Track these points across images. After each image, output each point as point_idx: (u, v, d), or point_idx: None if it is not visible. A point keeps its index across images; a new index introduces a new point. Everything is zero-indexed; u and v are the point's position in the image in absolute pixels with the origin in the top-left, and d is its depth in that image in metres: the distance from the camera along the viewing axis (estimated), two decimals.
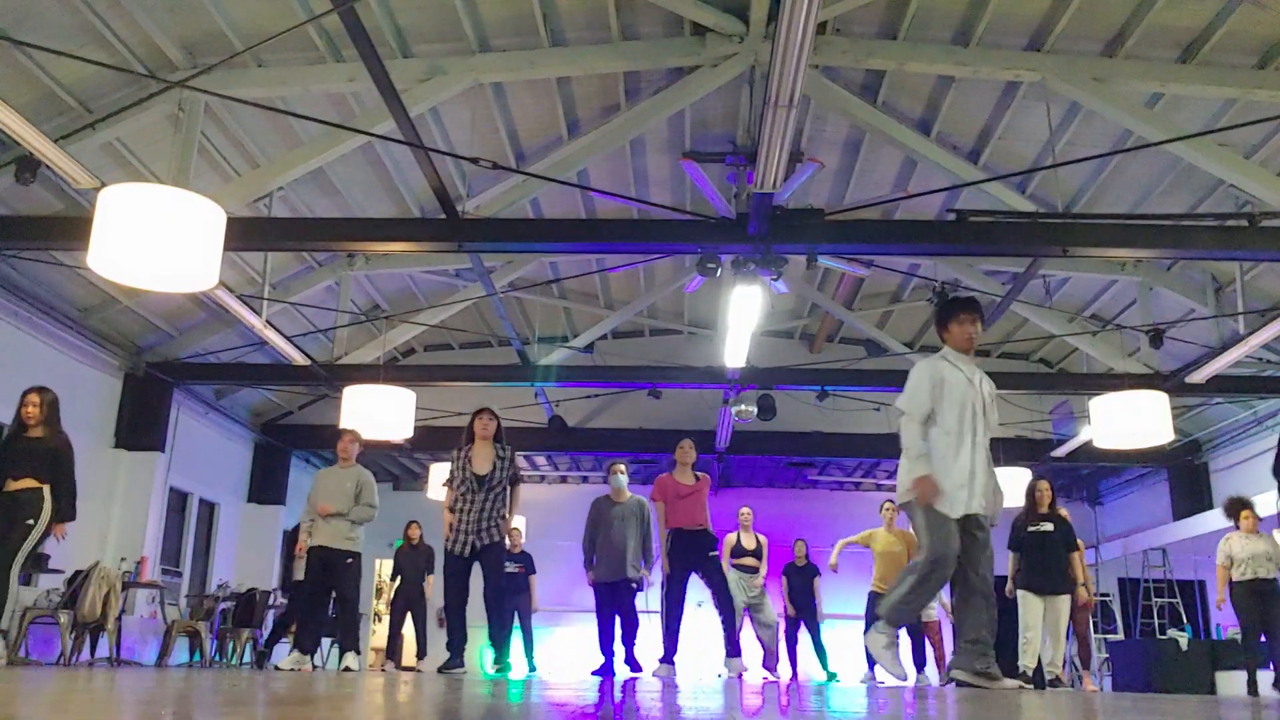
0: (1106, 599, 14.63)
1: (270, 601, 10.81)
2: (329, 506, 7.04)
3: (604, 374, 11.82)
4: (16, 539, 5.96)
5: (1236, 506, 8.21)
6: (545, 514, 13.80)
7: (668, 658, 6.98)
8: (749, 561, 9.69)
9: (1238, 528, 8.11)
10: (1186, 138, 6.87)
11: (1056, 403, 12.94)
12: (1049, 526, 7.65)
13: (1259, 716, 2.73)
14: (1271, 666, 7.96)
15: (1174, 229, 7.52)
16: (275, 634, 9.65)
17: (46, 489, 6.06)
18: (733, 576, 9.57)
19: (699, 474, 7.39)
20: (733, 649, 7.01)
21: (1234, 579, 7.96)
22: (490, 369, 11.95)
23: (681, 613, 6.99)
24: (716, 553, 7.16)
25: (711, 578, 7.03)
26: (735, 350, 9.42)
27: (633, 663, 7.30)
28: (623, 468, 7.72)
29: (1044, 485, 7.86)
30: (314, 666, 7.74)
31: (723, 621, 7.02)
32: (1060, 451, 12.16)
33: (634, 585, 7.34)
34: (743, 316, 8.49)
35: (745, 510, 9.99)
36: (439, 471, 11.66)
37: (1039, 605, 7.53)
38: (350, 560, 7.15)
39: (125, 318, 9.97)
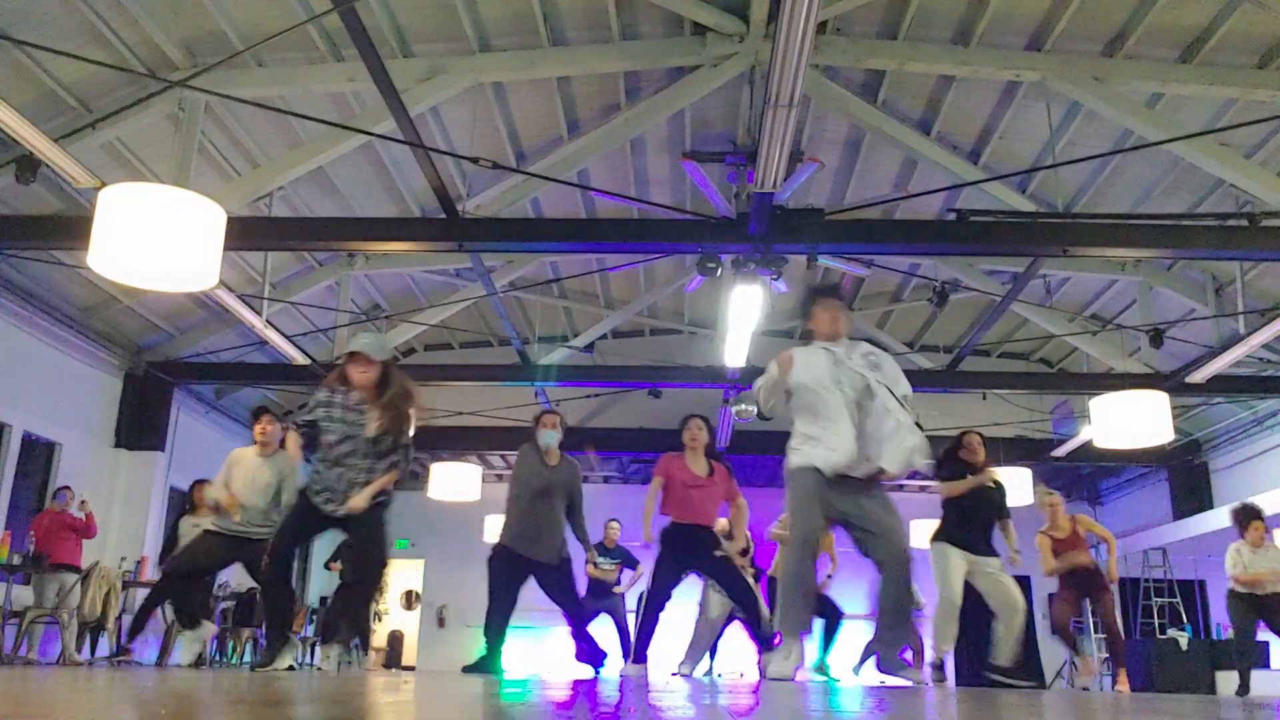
0: None
1: None
2: (235, 500, 5.99)
3: (604, 374, 11.82)
4: None
5: (1247, 516, 7.63)
6: None
7: (640, 658, 6.15)
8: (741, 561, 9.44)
9: (1242, 536, 7.62)
10: (1186, 138, 6.88)
11: (1056, 403, 12.95)
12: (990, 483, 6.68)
13: (1258, 717, 2.74)
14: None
15: (1174, 229, 7.52)
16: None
17: None
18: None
19: (714, 462, 6.22)
20: (766, 644, 6.03)
21: (1235, 588, 7.66)
22: (490, 369, 11.96)
23: (660, 613, 6.03)
24: (723, 550, 6.07)
25: (723, 575, 6.13)
26: (735, 350, 9.42)
27: (599, 655, 6.16)
28: (556, 420, 6.16)
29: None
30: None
31: (748, 620, 6.30)
32: (1060, 451, 12.16)
33: (566, 569, 6.08)
34: (743, 316, 8.49)
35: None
36: (440, 471, 11.66)
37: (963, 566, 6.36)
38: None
39: (125, 317, 9.98)
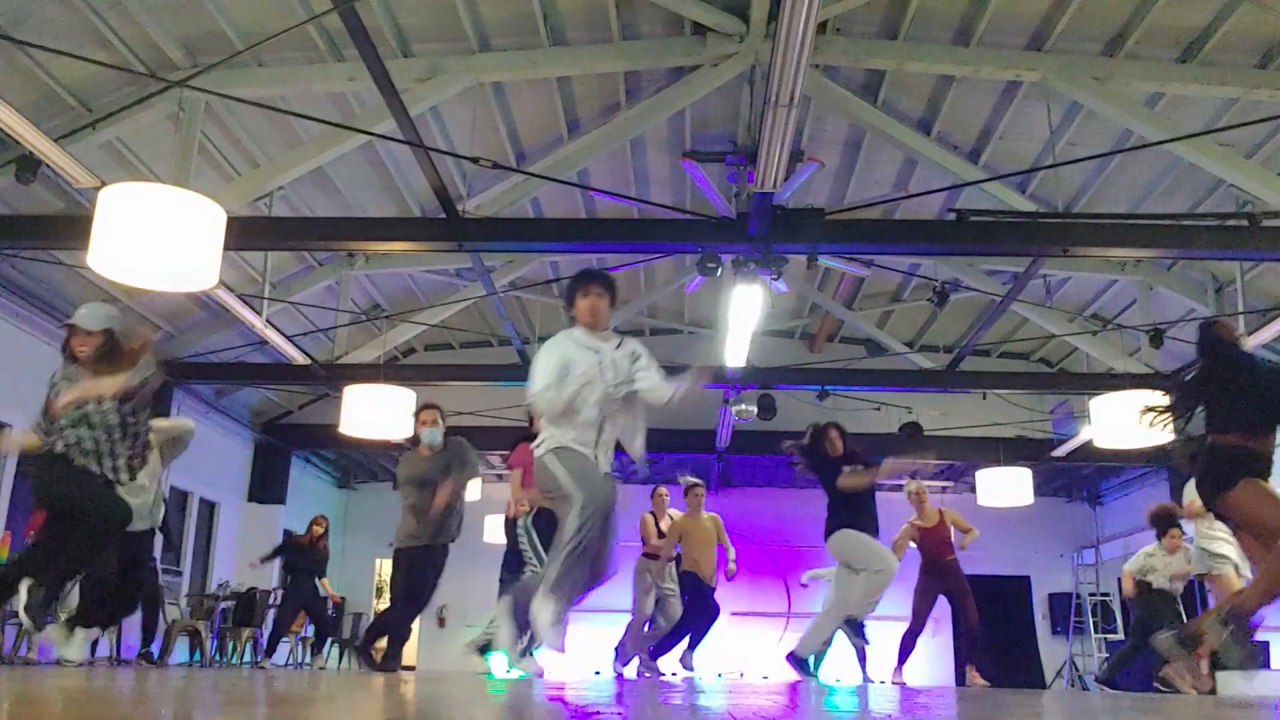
0: (1107, 598, 14.65)
1: (270, 601, 10.81)
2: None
3: None
4: None
5: (1166, 522, 7.71)
6: None
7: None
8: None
9: (1159, 540, 7.74)
10: (1186, 138, 6.87)
11: (1056, 403, 12.95)
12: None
13: (1258, 716, 2.74)
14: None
15: (1174, 229, 7.52)
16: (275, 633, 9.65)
17: None
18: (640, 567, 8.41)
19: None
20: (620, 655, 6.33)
21: (1150, 583, 7.75)
22: (490, 369, 11.95)
23: None
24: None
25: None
26: (735, 350, 9.42)
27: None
28: (436, 416, 6.38)
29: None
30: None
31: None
32: (1060, 451, 12.16)
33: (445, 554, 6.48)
34: (743, 316, 8.49)
35: (661, 490, 8.92)
36: None
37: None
38: None
39: (125, 317, 9.96)
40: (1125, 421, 8.37)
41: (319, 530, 10.02)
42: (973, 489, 12.52)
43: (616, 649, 8.59)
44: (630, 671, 8.40)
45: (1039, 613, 15.36)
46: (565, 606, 3.98)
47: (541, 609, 3.93)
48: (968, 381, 11.43)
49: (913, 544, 7.98)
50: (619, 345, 4.39)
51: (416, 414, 6.46)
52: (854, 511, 6.65)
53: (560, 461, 4.14)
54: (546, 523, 5.81)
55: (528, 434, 6.23)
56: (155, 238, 4.91)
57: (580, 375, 4.21)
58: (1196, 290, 9.64)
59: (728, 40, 7.24)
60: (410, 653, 15.59)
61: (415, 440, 6.56)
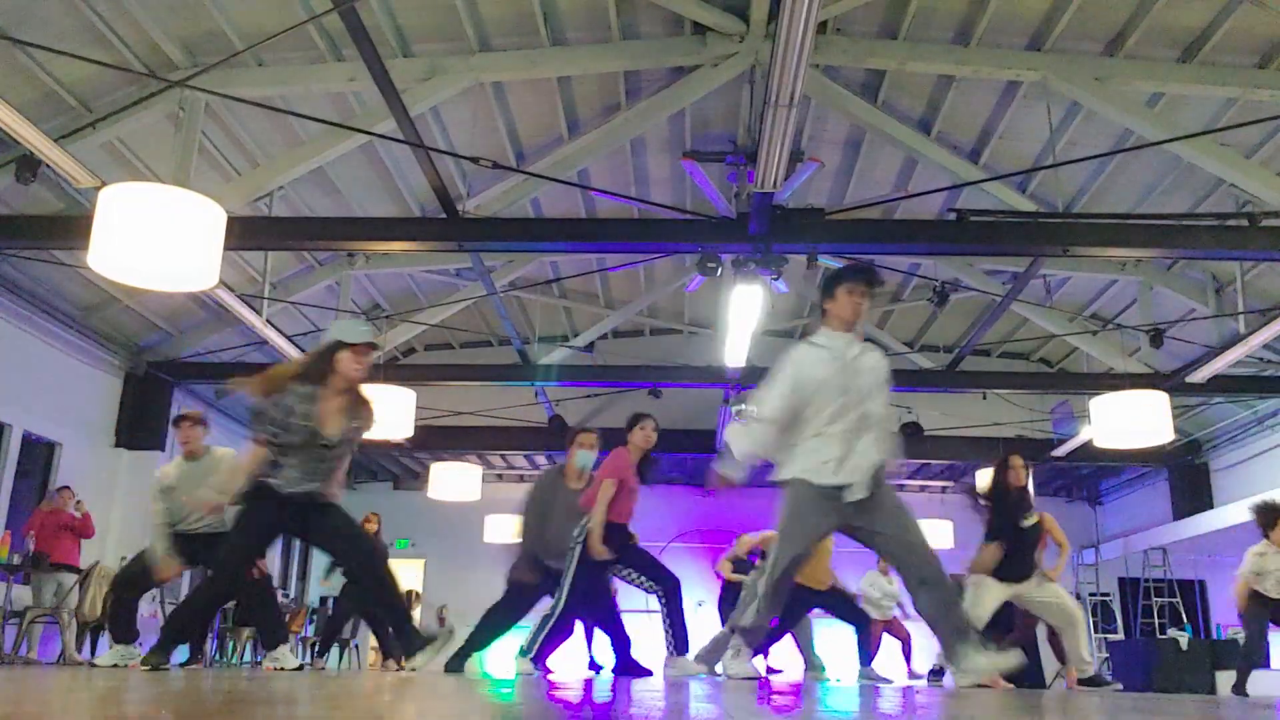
0: (1107, 598, 14.65)
1: None
2: (211, 504, 5.46)
3: (604, 374, 11.82)
4: None
5: (1273, 515, 7.16)
6: None
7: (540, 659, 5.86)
8: None
9: (1267, 536, 7.17)
10: (1186, 137, 6.88)
11: (1056, 403, 12.95)
12: (1034, 519, 6.43)
13: (1257, 717, 2.74)
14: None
15: (1174, 229, 7.52)
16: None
17: None
18: None
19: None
20: (680, 645, 5.76)
21: (1254, 590, 7.29)
22: (490, 368, 11.95)
23: (591, 617, 5.85)
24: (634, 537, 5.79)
25: (642, 564, 5.78)
26: (735, 350, 9.42)
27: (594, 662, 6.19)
28: (594, 440, 6.01)
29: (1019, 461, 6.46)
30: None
31: (668, 610, 5.76)
32: (1060, 451, 12.16)
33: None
34: (743, 316, 8.48)
35: None
36: (440, 471, 11.64)
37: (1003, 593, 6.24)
38: None
39: (125, 317, 9.98)
40: (1125, 421, 8.38)
41: (372, 526, 9.80)
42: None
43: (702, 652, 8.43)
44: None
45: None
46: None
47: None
48: (968, 381, 11.44)
49: None
50: (861, 352, 4.21)
51: (575, 434, 5.99)
52: (1009, 561, 6.22)
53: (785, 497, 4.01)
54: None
55: (621, 439, 5.80)
56: (155, 238, 4.91)
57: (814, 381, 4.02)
58: (1196, 290, 9.64)
59: (728, 40, 7.24)
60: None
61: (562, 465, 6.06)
